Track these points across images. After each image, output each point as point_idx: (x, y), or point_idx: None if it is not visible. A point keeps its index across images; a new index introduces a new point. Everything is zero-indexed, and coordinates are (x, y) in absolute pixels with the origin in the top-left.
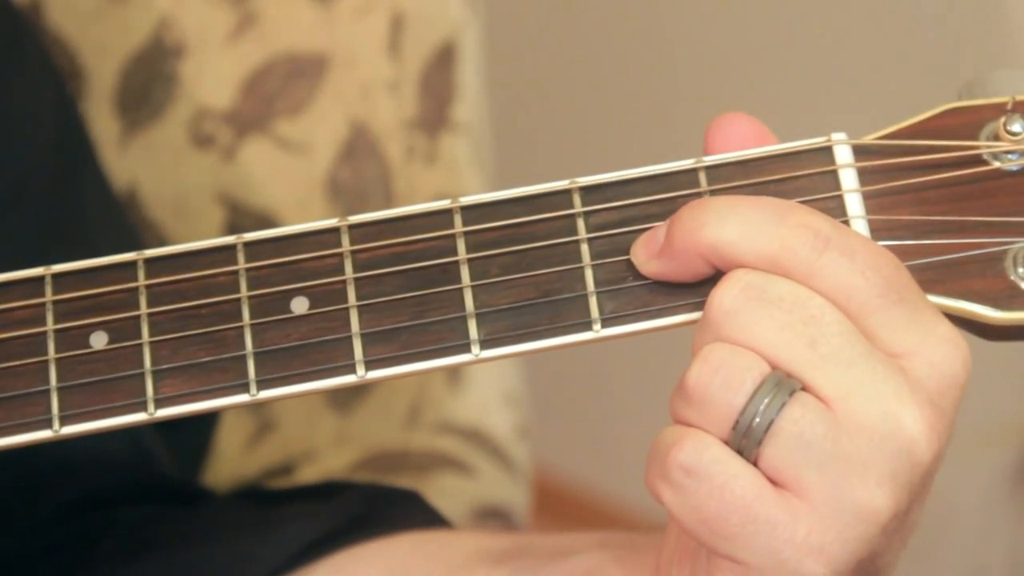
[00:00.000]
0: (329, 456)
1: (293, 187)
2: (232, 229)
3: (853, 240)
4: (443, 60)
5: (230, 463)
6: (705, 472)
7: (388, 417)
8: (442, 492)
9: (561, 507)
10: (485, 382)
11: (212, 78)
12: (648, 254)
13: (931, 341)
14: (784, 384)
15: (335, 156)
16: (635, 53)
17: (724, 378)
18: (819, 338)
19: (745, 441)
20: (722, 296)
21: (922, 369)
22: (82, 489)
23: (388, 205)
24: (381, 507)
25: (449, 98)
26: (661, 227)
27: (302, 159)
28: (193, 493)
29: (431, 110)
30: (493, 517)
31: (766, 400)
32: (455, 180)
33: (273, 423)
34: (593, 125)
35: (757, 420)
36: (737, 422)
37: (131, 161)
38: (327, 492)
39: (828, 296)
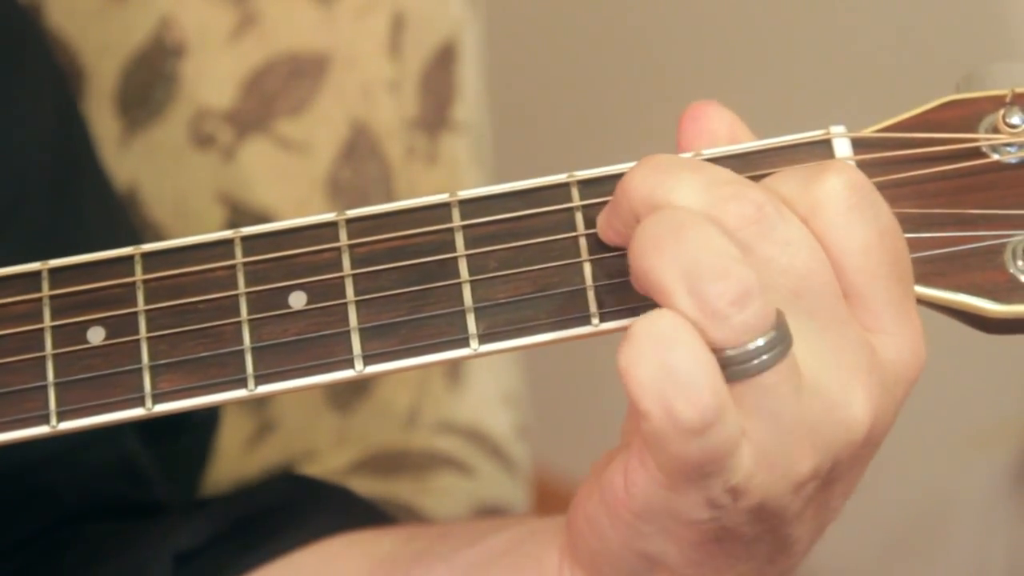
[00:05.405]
0: (329, 456)
1: (293, 187)
2: (232, 228)
3: (883, 202)
4: (443, 60)
5: (230, 463)
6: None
7: (388, 417)
8: (442, 492)
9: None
10: (485, 382)
11: (212, 78)
12: None
13: (907, 330)
14: (786, 340)
15: (335, 156)
16: (635, 52)
17: (754, 311)
18: (806, 291)
19: (729, 369)
20: (747, 201)
21: (890, 352)
22: (59, 508)
23: None
24: (315, 509)
25: (449, 98)
26: None
27: (302, 159)
28: (165, 505)
29: (431, 110)
30: (493, 517)
31: (773, 351)
32: (455, 180)
33: (273, 423)
34: (593, 125)
35: (754, 363)
36: (730, 352)
37: (131, 161)
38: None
39: (832, 248)
